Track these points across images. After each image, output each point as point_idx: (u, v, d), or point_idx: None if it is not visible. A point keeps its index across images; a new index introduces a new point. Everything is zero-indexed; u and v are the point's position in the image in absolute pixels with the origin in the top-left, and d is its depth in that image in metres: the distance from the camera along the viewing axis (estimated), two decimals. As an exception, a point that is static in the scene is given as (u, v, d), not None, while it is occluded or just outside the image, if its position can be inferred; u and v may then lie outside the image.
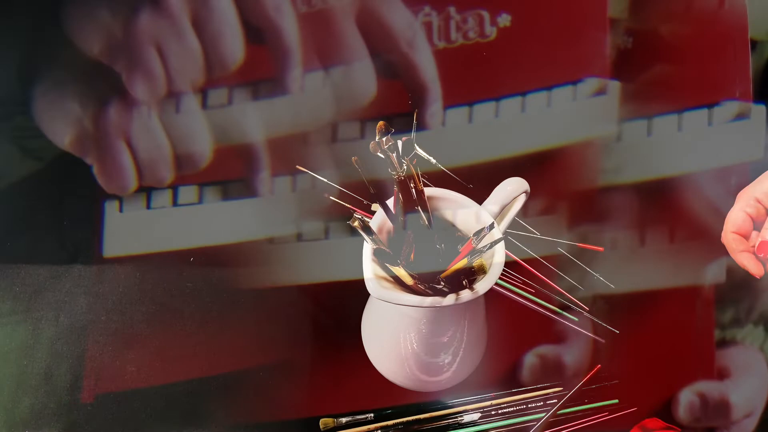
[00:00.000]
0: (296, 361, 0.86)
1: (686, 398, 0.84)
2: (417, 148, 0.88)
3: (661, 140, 0.88)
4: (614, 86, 0.83)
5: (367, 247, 0.72)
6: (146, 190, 0.90)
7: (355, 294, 0.84)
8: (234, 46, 0.87)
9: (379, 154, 0.72)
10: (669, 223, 0.88)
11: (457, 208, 0.77)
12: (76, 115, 0.87)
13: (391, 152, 0.72)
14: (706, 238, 0.87)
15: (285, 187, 0.92)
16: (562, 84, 0.90)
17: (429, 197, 0.76)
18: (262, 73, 0.90)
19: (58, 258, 0.89)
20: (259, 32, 0.88)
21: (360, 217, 0.70)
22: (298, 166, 0.92)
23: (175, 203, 0.90)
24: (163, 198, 0.91)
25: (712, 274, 0.88)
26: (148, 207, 0.90)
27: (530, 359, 0.86)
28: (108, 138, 0.88)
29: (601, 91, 0.88)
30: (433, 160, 0.93)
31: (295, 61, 0.87)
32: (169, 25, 0.86)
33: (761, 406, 0.85)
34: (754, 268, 0.76)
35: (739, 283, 0.88)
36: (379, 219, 0.75)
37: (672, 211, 0.88)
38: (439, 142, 0.92)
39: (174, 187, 0.90)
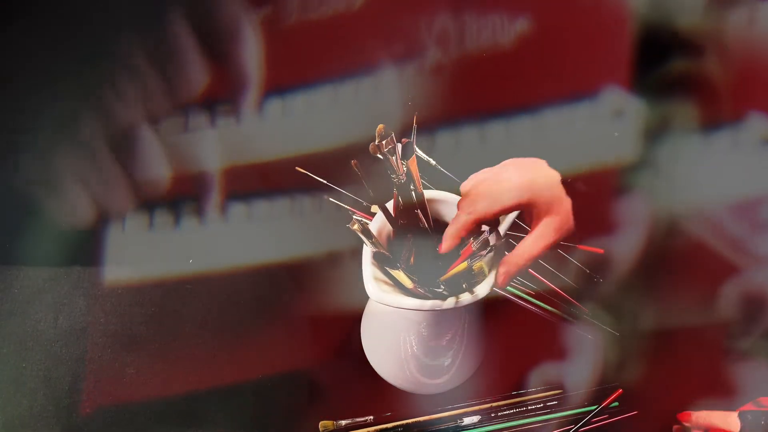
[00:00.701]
0: (296, 365, 0.86)
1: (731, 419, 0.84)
2: (417, 150, 0.87)
3: (683, 161, 0.88)
4: (634, 105, 0.82)
5: (367, 251, 0.72)
6: (148, 211, 0.90)
7: (356, 296, 0.84)
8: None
9: (378, 156, 0.72)
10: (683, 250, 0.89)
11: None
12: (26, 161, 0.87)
13: (390, 155, 0.71)
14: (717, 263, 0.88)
15: (285, 209, 0.92)
16: (580, 97, 0.90)
17: (428, 200, 0.75)
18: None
19: (58, 260, 0.89)
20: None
21: (360, 219, 0.69)
22: (297, 167, 0.91)
23: (177, 224, 0.90)
24: (164, 219, 0.91)
25: (725, 304, 0.88)
26: (150, 226, 0.90)
27: (534, 377, 0.86)
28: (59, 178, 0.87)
29: (619, 112, 0.88)
30: (433, 162, 0.93)
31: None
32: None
33: None
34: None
35: (750, 296, 0.88)
36: (378, 222, 0.75)
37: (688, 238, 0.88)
38: (452, 162, 0.92)
39: (176, 208, 0.90)
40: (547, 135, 0.90)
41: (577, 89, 0.92)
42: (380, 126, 0.70)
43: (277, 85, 0.95)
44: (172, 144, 0.92)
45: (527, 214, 0.73)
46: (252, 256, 0.90)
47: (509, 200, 0.71)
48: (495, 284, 0.72)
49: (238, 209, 0.92)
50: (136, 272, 0.89)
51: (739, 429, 0.76)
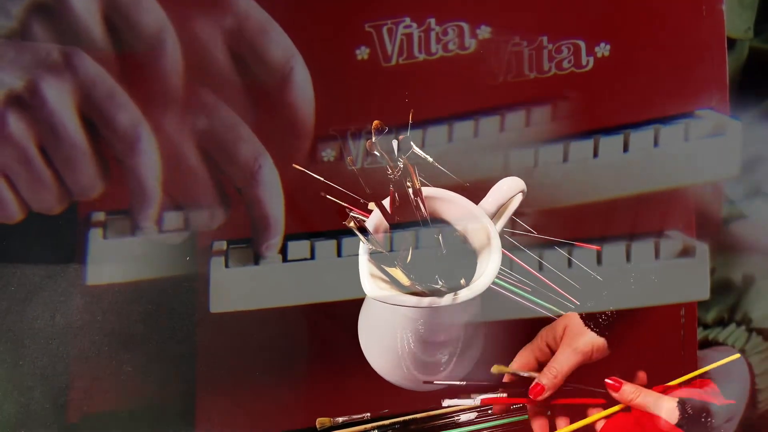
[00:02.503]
0: (294, 363, 0.86)
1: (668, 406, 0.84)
2: (413, 146, 0.87)
3: (637, 156, 0.89)
4: (734, 124, 0.84)
5: (363, 248, 0.72)
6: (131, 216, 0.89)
7: (353, 293, 0.84)
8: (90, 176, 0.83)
9: (375, 152, 0.72)
10: (652, 239, 0.89)
11: (454, 208, 0.77)
12: None
13: (386, 151, 0.72)
14: (689, 253, 0.88)
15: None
16: (544, 100, 0.90)
17: (425, 197, 0.75)
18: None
19: (54, 257, 0.89)
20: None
21: (356, 216, 0.69)
22: (295, 165, 0.91)
23: (160, 230, 0.89)
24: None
25: (696, 291, 0.88)
26: (134, 234, 0.89)
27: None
28: None
29: (719, 131, 0.88)
30: (430, 159, 0.93)
31: (152, 200, 0.83)
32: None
33: (741, 410, 0.85)
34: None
35: (723, 284, 0.89)
36: (375, 219, 0.75)
37: (655, 226, 0.89)
38: (443, 154, 0.92)
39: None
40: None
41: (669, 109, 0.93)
42: (376, 122, 0.71)
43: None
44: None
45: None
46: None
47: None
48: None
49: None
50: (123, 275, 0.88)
51: (676, 420, 0.76)
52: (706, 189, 0.89)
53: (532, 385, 0.79)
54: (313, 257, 0.87)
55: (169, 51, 0.80)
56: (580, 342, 0.78)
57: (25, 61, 0.78)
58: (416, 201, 0.74)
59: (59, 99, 0.79)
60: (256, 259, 0.87)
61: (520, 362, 0.82)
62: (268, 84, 0.83)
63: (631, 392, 0.77)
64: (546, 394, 0.79)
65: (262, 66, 0.82)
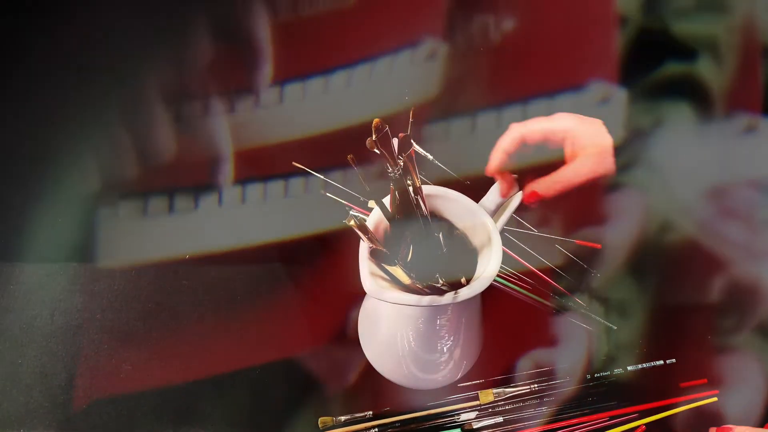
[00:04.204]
0: (293, 361, 0.86)
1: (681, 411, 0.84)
2: (414, 144, 0.87)
3: (664, 151, 0.88)
4: (620, 94, 0.83)
5: (364, 246, 0.71)
6: (142, 198, 0.89)
7: (352, 291, 0.84)
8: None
9: (375, 150, 0.72)
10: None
11: (454, 206, 0.76)
12: None
13: (387, 149, 0.71)
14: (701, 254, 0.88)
15: (278, 192, 0.92)
16: (567, 89, 0.90)
17: (426, 195, 0.75)
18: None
19: (54, 256, 0.89)
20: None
21: (356, 215, 0.69)
22: (294, 163, 0.91)
23: (171, 210, 0.90)
24: (160, 205, 0.90)
25: (708, 291, 0.88)
26: (144, 214, 0.90)
27: (525, 363, 0.86)
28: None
29: (605, 99, 0.88)
30: (430, 157, 0.92)
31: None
32: None
33: (757, 415, 0.85)
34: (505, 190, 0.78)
35: (739, 290, 0.88)
36: (375, 217, 0.74)
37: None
38: (442, 151, 0.92)
39: (170, 194, 0.90)
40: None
41: (564, 82, 0.93)
42: (376, 120, 0.70)
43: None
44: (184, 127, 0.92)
45: (568, 144, 0.76)
46: (246, 241, 0.90)
47: (555, 121, 0.76)
48: (521, 202, 0.77)
49: (234, 194, 0.92)
50: (131, 269, 0.89)
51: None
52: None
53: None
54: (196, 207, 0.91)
55: None
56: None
57: None
58: (416, 199, 0.74)
59: None
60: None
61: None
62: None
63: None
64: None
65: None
